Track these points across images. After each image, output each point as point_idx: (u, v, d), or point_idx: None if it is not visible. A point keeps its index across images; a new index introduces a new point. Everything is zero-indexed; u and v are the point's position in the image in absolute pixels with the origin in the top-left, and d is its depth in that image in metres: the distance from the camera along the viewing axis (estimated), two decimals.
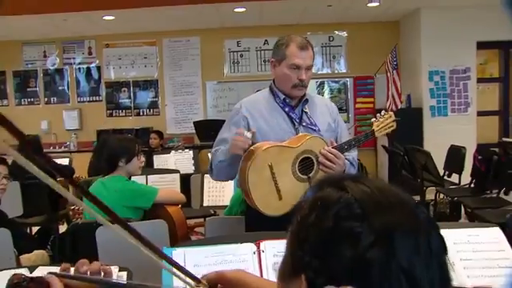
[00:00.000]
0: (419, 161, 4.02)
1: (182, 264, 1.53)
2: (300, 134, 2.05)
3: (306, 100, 2.13)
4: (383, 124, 2.17)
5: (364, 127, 7.34)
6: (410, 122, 6.70)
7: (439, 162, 5.44)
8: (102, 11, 6.30)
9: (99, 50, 8.09)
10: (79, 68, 8.14)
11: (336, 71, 8.02)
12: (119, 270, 1.39)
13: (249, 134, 1.91)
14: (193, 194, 3.87)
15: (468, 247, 1.61)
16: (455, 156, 5.36)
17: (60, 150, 7.56)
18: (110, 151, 2.73)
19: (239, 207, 2.51)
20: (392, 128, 2.19)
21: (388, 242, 0.61)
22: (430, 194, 5.23)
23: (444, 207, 5.07)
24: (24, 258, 2.84)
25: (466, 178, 5.13)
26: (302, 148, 1.99)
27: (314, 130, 2.08)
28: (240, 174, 1.96)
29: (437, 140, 6.46)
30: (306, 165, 2.01)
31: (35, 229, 4.43)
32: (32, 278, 0.99)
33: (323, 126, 2.12)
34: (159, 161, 5.12)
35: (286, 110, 2.10)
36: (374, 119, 2.19)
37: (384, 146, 5.50)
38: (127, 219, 2.50)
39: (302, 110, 2.12)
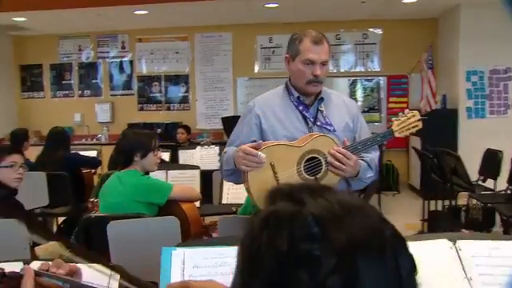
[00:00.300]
0: (449, 164, 3.83)
1: (181, 265, 1.49)
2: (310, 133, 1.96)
3: (322, 98, 2.03)
4: (405, 123, 2.03)
5: None
6: (444, 123, 6.47)
7: (475, 165, 5.21)
8: (134, 6, 6.35)
9: (132, 44, 8.19)
10: (112, 62, 8.27)
11: (369, 69, 7.84)
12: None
13: (263, 155, 1.81)
14: (214, 190, 3.83)
15: (489, 261, 1.48)
16: (491, 160, 5.11)
17: (91, 142, 7.70)
18: (127, 145, 2.72)
19: (253, 207, 2.44)
20: (417, 128, 2.04)
21: (351, 265, 0.53)
22: (463, 199, 5.02)
23: (477, 214, 4.84)
24: (40, 248, 2.87)
25: (502, 183, 4.88)
26: (307, 147, 1.89)
27: (329, 130, 1.98)
28: (241, 173, 1.89)
29: (473, 143, 6.19)
30: (313, 165, 1.91)
31: (61, 219, 4.51)
32: (5, 274, 0.96)
33: (340, 125, 2.02)
34: (184, 156, 5.09)
35: (300, 108, 2.00)
36: (394, 118, 2.06)
37: (414, 148, 5.31)
38: (140, 214, 2.47)
39: (318, 109, 2.02)
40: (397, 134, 2.01)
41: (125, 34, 8.14)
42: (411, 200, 6.68)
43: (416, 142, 6.59)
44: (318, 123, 1.99)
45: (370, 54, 7.79)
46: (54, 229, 4.50)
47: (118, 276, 1.34)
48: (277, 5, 6.61)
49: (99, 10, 6.51)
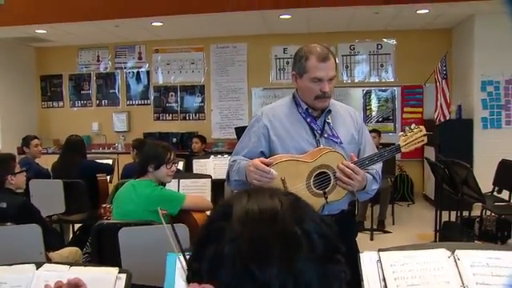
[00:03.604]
0: (459, 175, 3.83)
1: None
2: (319, 147, 2.00)
3: (329, 110, 2.07)
4: (412, 139, 2.09)
5: None
6: (459, 133, 6.45)
7: (490, 176, 5.18)
8: (151, 18, 6.50)
9: (149, 55, 8.35)
10: (129, 72, 8.44)
11: (383, 80, 7.84)
12: (119, 272, 1.41)
13: (275, 173, 1.85)
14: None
15: (486, 271, 1.51)
16: (506, 171, 5.07)
17: (108, 151, 7.84)
18: (143, 155, 2.80)
19: None
20: (422, 143, 2.12)
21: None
22: (478, 210, 4.98)
23: (491, 225, 4.80)
24: (57, 254, 2.96)
25: None
26: (317, 162, 1.94)
27: (336, 142, 2.02)
28: (251, 186, 1.93)
29: (488, 153, 6.14)
30: (322, 179, 1.96)
31: (77, 226, 4.61)
32: None
33: (346, 137, 2.06)
34: (198, 165, 5.18)
35: (308, 120, 2.04)
36: (401, 133, 2.11)
37: (426, 158, 5.29)
38: (151, 222, 2.54)
39: (325, 121, 2.06)
40: (403, 149, 2.06)
41: (142, 44, 8.31)
42: (425, 211, 6.64)
43: (430, 152, 6.57)
44: (325, 135, 2.03)
45: (384, 65, 7.80)
46: (70, 236, 4.61)
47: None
48: (290, 16, 6.69)
49: (117, 22, 6.67)
